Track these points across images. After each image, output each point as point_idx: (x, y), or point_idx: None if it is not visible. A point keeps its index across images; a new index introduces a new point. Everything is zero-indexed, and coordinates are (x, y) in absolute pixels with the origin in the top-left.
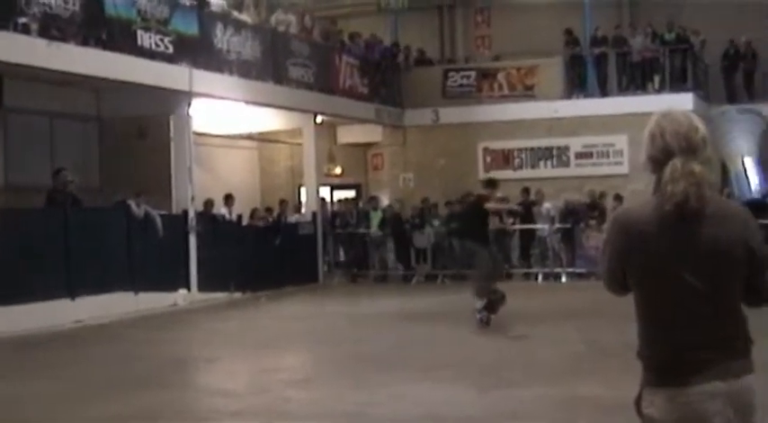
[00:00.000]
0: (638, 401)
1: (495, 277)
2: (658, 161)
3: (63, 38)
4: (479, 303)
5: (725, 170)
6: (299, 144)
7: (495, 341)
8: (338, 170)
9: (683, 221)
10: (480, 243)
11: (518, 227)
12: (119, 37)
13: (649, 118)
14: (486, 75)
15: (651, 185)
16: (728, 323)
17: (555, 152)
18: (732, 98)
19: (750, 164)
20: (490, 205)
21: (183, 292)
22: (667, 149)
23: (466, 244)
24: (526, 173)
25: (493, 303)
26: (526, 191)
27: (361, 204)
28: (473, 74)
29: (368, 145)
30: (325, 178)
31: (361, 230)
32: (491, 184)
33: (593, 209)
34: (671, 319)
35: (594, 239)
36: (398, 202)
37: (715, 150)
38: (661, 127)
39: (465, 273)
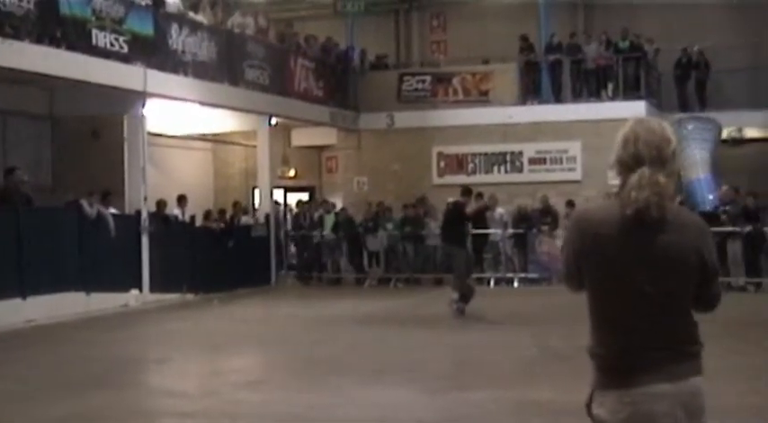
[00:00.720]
0: (588, 403)
1: (469, 274)
2: (627, 166)
3: (17, 35)
4: (455, 295)
5: (679, 177)
6: (254, 146)
7: (447, 345)
8: (292, 172)
9: (642, 227)
10: (458, 245)
11: (471, 232)
12: (73, 36)
13: (602, 125)
14: (442, 79)
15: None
16: (678, 327)
17: (509, 158)
18: (684, 106)
19: (704, 174)
20: (470, 210)
21: (135, 292)
22: (638, 157)
23: (446, 246)
24: (480, 178)
25: (466, 296)
26: (479, 196)
27: (315, 209)
28: (428, 78)
29: (322, 148)
30: (278, 180)
31: (315, 233)
32: (467, 192)
33: (545, 214)
34: (622, 321)
35: (547, 245)
36: (353, 206)
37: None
38: (635, 133)
39: (418, 276)
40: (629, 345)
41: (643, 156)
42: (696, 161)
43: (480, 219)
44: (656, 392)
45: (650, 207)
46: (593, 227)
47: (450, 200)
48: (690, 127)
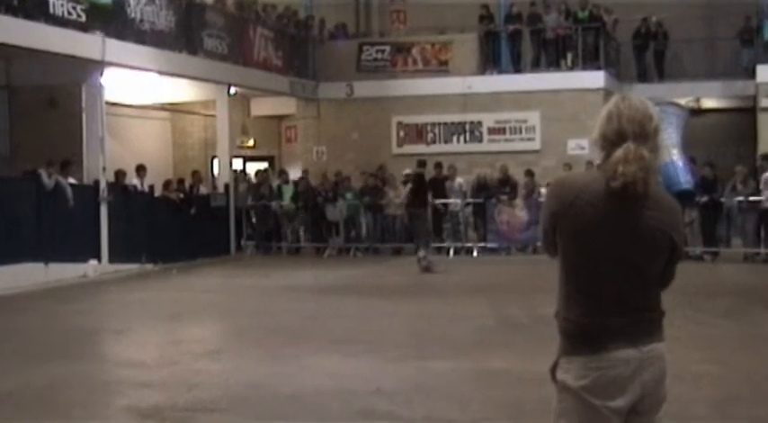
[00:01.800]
0: (553, 369)
1: (431, 233)
2: (611, 141)
3: None
4: (423, 252)
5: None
6: (213, 116)
7: (406, 315)
8: (251, 142)
9: (624, 200)
10: (424, 210)
11: (431, 201)
12: (30, 3)
13: (561, 95)
14: (401, 49)
15: (561, 162)
16: (645, 296)
17: (468, 127)
18: (643, 77)
19: (678, 155)
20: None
21: (93, 263)
22: (621, 132)
23: (413, 211)
24: (439, 147)
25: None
26: (439, 165)
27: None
28: (388, 48)
29: (281, 117)
30: (237, 150)
31: (274, 203)
32: (423, 164)
33: (504, 184)
34: (593, 287)
35: (506, 214)
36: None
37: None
38: (619, 109)
39: (377, 246)
40: (597, 311)
41: (627, 131)
42: (671, 143)
43: (439, 188)
44: (621, 357)
45: (637, 182)
46: (573, 192)
47: (408, 171)
48: (664, 111)
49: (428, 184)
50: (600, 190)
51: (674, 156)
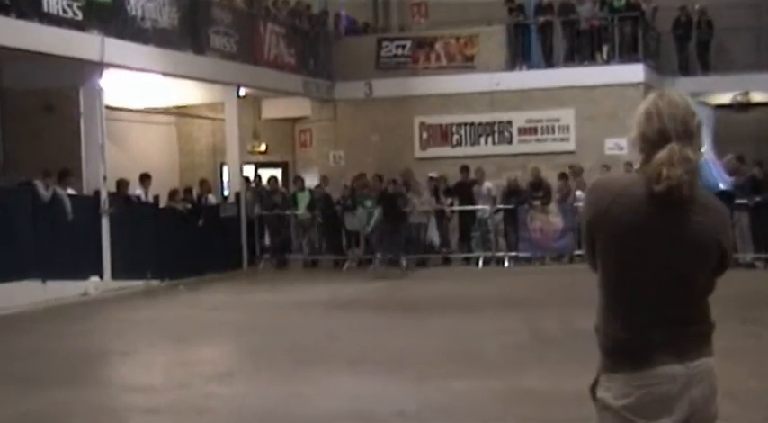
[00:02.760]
0: (593, 387)
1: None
2: (651, 142)
3: None
4: (405, 259)
5: None
6: (221, 119)
7: (431, 331)
8: (263, 147)
9: (669, 205)
10: (403, 223)
11: (457, 208)
12: (22, 1)
13: (597, 91)
14: (423, 45)
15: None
16: (692, 307)
17: (496, 128)
18: (685, 69)
19: (712, 156)
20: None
21: (95, 279)
22: (664, 131)
23: (392, 225)
24: (465, 150)
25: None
26: (465, 169)
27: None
28: (408, 44)
29: (295, 120)
30: (248, 156)
31: (288, 212)
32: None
33: (537, 188)
34: (635, 298)
35: (539, 221)
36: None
37: None
38: (658, 108)
39: (401, 257)
40: (639, 324)
41: (669, 130)
42: (704, 143)
43: (466, 194)
44: (667, 374)
45: (683, 185)
46: (611, 195)
47: (434, 174)
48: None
49: (399, 199)
50: (640, 193)
51: (707, 156)
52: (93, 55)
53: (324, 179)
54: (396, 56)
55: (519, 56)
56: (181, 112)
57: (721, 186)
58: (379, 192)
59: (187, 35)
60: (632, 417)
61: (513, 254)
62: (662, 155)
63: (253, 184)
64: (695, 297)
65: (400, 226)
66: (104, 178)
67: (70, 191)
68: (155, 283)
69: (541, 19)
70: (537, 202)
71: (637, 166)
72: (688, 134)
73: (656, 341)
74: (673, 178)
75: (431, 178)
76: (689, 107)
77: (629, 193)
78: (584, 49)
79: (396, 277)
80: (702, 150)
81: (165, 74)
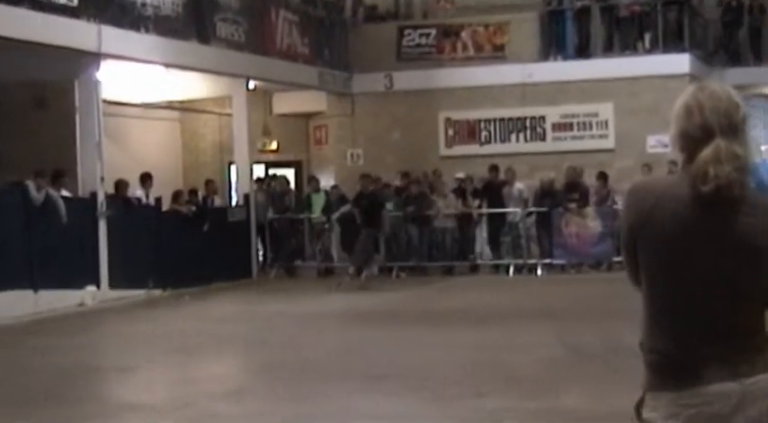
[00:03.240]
0: (638, 407)
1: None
2: (694, 138)
3: None
4: (376, 268)
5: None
6: (229, 115)
7: (459, 345)
8: (274, 145)
9: (716, 206)
10: (377, 226)
11: (485, 211)
12: None
13: (638, 83)
14: (449, 33)
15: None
16: (746, 318)
17: (528, 124)
18: (735, 59)
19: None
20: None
21: (91, 289)
22: (707, 126)
23: (369, 231)
24: (495, 148)
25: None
26: (494, 169)
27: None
28: (433, 32)
29: (309, 116)
30: (258, 155)
31: (302, 216)
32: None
33: (572, 189)
34: (682, 309)
35: (575, 225)
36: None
37: None
38: (699, 101)
39: (424, 265)
40: (688, 338)
41: (713, 125)
42: (759, 140)
43: (496, 196)
44: (719, 392)
45: (732, 184)
46: (653, 197)
47: (461, 175)
48: (751, 105)
49: (379, 201)
50: (684, 194)
51: (761, 153)
52: (89, 44)
53: (339, 180)
54: (419, 45)
55: (553, 45)
56: (185, 107)
57: None
58: (359, 192)
59: (191, 23)
60: None
61: (547, 261)
62: (707, 152)
63: (265, 186)
64: (749, 306)
65: (376, 229)
66: (102, 179)
67: (64, 192)
68: (156, 292)
69: (578, 4)
70: (573, 205)
71: (679, 164)
72: (733, 128)
73: (706, 356)
74: (721, 177)
75: (457, 178)
76: (732, 99)
77: (673, 195)
78: (624, 37)
79: (358, 287)
80: (764, 148)
81: (167, 65)
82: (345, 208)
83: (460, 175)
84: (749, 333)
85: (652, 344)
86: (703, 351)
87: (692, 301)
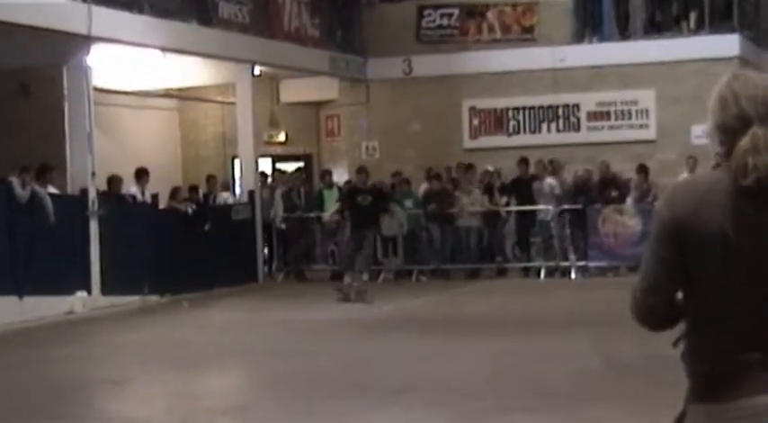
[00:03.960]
0: (679, 420)
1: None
2: (731, 130)
3: None
4: (350, 279)
5: None
6: (232, 104)
7: (484, 355)
8: (282, 137)
9: (760, 200)
10: (376, 227)
11: (514, 209)
12: None
13: (682, 68)
14: (473, 13)
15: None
16: None
17: (561, 112)
18: None
19: None
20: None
21: (81, 295)
22: (744, 116)
23: (368, 232)
24: (524, 139)
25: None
26: (524, 162)
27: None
28: (455, 12)
29: (320, 104)
30: (265, 147)
31: (313, 215)
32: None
33: (609, 185)
34: (729, 315)
35: (612, 224)
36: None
37: None
38: (734, 90)
39: (446, 268)
40: (734, 345)
41: (750, 114)
42: None
43: (525, 192)
44: (756, 406)
45: None
46: (697, 195)
47: (491, 168)
48: None
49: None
50: (727, 191)
51: None
52: (78, 27)
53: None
54: (440, 27)
55: (588, 26)
56: (184, 95)
57: None
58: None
59: (191, 3)
60: None
61: (582, 263)
62: (744, 142)
63: (270, 181)
64: None
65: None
66: (93, 174)
67: (52, 189)
68: (153, 299)
69: None
70: (610, 202)
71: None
72: None
73: (754, 365)
74: (761, 168)
75: (483, 173)
76: None
77: (716, 191)
78: (667, 17)
79: (359, 298)
80: None
81: (164, 49)
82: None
83: (489, 168)
84: None
85: (693, 352)
86: (751, 359)
87: (740, 307)
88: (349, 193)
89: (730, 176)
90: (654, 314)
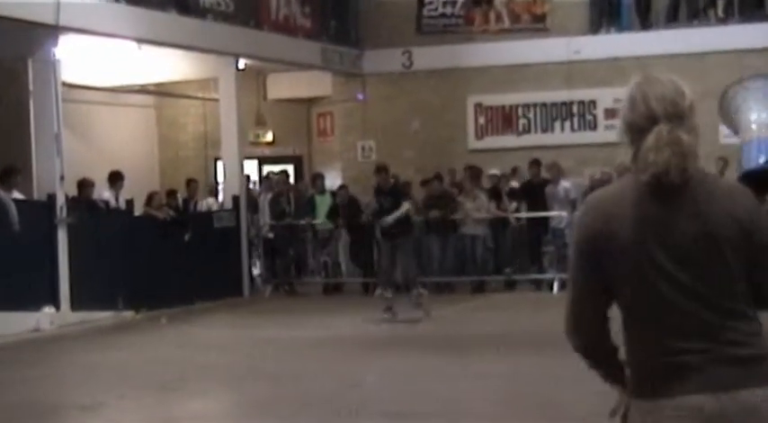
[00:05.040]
0: (625, 413)
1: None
2: (640, 129)
3: None
4: (389, 293)
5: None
6: (215, 100)
7: (492, 376)
8: (269, 137)
9: (661, 198)
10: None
11: (524, 215)
12: None
13: (708, 60)
14: (479, 0)
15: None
16: (725, 324)
17: (576, 109)
18: None
19: (763, 133)
20: None
21: (49, 311)
22: (651, 115)
23: (397, 240)
24: (535, 139)
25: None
26: (536, 164)
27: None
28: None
29: (311, 101)
30: (251, 148)
31: (303, 222)
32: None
33: None
34: (653, 317)
35: None
36: None
37: (731, 124)
38: (643, 91)
39: (450, 281)
40: (665, 348)
41: (657, 113)
42: (755, 121)
43: (537, 196)
44: (689, 405)
45: (670, 170)
46: (607, 208)
47: (495, 171)
48: (752, 85)
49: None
50: (633, 197)
51: (754, 135)
52: (45, 16)
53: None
54: (443, 15)
55: (605, 15)
56: (162, 91)
57: (748, 167)
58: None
59: None
60: None
61: None
62: (649, 139)
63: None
64: (732, 308)
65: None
66: (61, 178)
67: (16, 194)
68: (128, 314)
69: None
70: None
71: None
72: (679, 115)
73: (675, 365)
74: (659, 163)
75: (491, 176)
76: (679, 87)
77: (621, 199)
78: (692, 4)
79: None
80: (754, 127)
81: (140, 41)
82: (404, 208)
83: (495, 171)
84: (733, 342)
85: (629, 354)
86: (673, 361)
87: (663, 306)
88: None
89: (636, 179)
90: (582, 323)
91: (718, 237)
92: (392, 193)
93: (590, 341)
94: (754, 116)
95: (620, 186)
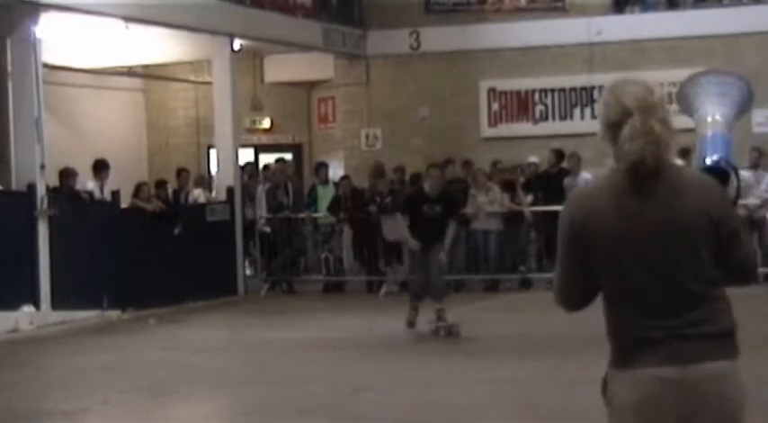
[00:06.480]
0: (605, 380)
1: None
2: (616, 124)
3: None
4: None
5: None
6: (208, 84)
7: (508, 380)
8: (266, 123)
9: (637, 189)
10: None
11: (541, 209)
12: None
13: (740, 42)
14: None
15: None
16: (695, 303)
17: (597, 95)
18: None
19: (718, 128)
20: None
21: (28, 310)
22: (624, 110)
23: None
24: (553, 127)
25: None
26: (557, 154)
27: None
28: None
29: (312, 85)
30: (247, 135)
31: (303, 215)
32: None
33: None
34: (627, 296)
35: None
36: None
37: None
38: (614, 93)
39: (461, 279)
40: (639, 325)
41: (629, 106)
42: (710, 115)
43: (555, 189)
44: (659, 376)
45: (645, 158)
46: (589, 203)
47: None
48: (708, 82)
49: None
50: (612, 190)
51: (708, 131)
52: None
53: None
54: None
55: None
56: (150, 74)
57: (707, 161)
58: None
59: None
60: (628, 416)
61: None
62: (624, 132)
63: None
64: (700, 288)
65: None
66: (42, 167)
67: None
68: (113, 314)
69: None
70: None
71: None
72: (650, 107)
73: (645, 339)
74: (635, 152)
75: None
76: (648, 86)
77: (601, 192)
78: None
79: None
80: (709, 122)
81: (127, 19)
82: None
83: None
84: (701, 320)
85: (609, 330)
86: (644, 335)
87: (638, 289)
88: (412, 202)
89: (617, 171)
90: (570, 298)
91: (689, 226)
92: (441, 199)
93: (577, 310)
94: (710, 111)
95: (602, 181)
